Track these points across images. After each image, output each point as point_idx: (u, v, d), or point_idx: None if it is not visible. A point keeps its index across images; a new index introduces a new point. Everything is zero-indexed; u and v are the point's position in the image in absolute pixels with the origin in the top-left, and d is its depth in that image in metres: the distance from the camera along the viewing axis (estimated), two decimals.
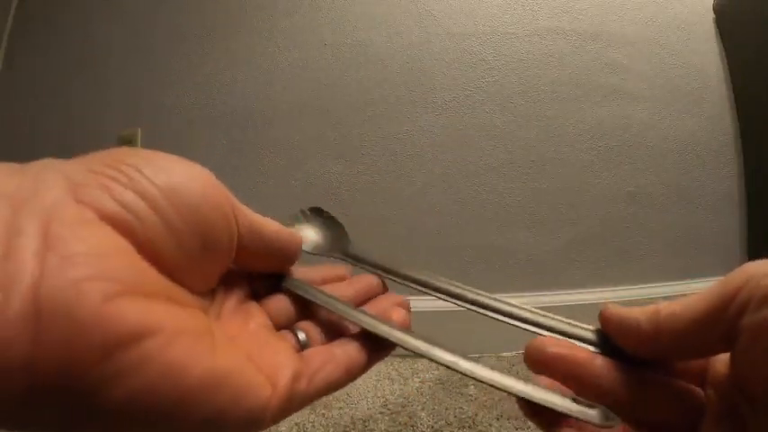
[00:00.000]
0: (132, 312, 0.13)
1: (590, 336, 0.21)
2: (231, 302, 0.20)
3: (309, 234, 0.28)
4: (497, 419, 0.70)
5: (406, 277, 0.26)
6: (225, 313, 0.19)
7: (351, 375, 0.20)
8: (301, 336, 0.21)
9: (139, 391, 0.13)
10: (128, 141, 1.23)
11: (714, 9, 1.06)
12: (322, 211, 0.29)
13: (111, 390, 0.12)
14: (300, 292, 0.22)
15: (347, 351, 0.20)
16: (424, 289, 0.25)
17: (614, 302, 0.20)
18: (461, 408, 0.74)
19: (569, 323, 0.21)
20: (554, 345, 0.20)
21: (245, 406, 0.15)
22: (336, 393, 0.85)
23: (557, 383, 0.20)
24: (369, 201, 1.04)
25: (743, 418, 0.17)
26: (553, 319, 0.22)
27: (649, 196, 1.03)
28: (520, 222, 1.02)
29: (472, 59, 1.04)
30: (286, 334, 0.21)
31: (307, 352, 0.20)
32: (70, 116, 1.33)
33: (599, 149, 1.03)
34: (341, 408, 0.76)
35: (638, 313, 0.18)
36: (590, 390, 0.19)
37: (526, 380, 0.20)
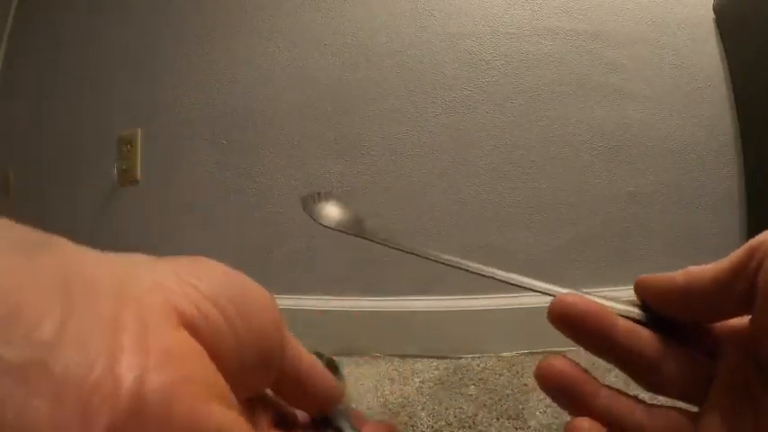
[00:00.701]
0: (218, 415, 0.14)
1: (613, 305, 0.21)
2: (261, 424, 0.21)
3: (331, 212, 0.29)
4: (497, 419, 0.70)
5: (420, 253, 0.26)
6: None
7: None
8: None
9: None
10: (128, 141, 1.24)
11: (714, 9, 1.06)
12: (334, 194, 0.29)
13: None
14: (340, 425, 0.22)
15: None
16: (442, 261, 0.25)
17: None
18: (461, 408, 0.74)
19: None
20: (585, 302, 0.20)
21: None
22: None
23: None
24: (369, 201, 1.04)
25: (753, 389, 0.18)
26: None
27: (649, 196, 1.03)
28: (520, 222, 1.02)
29: (472, 59, 1.04)
30: None
31: None
32: (70, 116, 1.33)
33: (599, 149, 1.03)
34: None
35: (672, 273, 0.20)
36: (613, 350, 0.20)
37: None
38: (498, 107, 1.03)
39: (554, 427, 0.68)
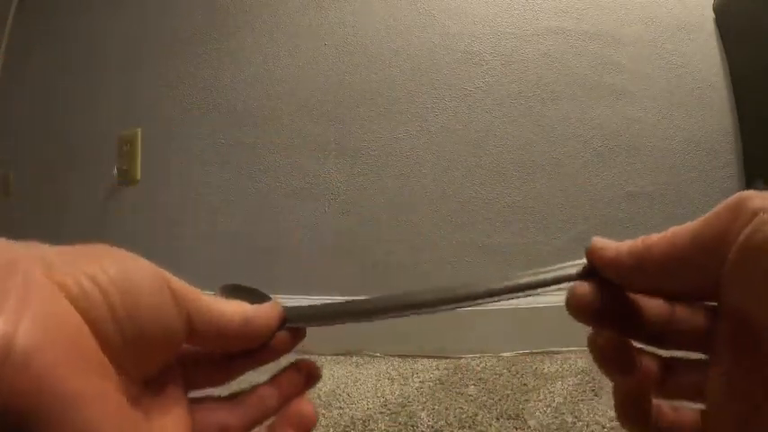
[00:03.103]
0: (74, 381, 0.15)
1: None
2: (166, 399, 0.21)
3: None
4: (497, 419, 0.70)
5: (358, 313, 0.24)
6: (155, 408, 0.20)
7: None
8: None
9: None
10: (128, 141, 1.23)
11: (714, 9, 1.06)
12: (242, 287, 0.25)
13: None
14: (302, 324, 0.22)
15: None
16: (383, 316, 0.23)
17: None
18: (461, 408, 0.74)
19: (560, 267, 0.21)
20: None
21: None
22: (336, 393, 0.85)
23: None
24: (369, 201, 1.04)
25: (756, 346, 0.16)
26: (543, 272, 0.21)
27: (649, 196, 1.03)
28: (520, 222, 1.02)
29: (472, 59, 1.04)
30: None
31: None
32: (70, 116, 1.33)
33: (599, 149, 1.03)
34: (341, 408, 0.76)
35: (629, 242, 0.20)
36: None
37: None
38: (498, 107, 1.03)
39: (554, 427, 0.68)
